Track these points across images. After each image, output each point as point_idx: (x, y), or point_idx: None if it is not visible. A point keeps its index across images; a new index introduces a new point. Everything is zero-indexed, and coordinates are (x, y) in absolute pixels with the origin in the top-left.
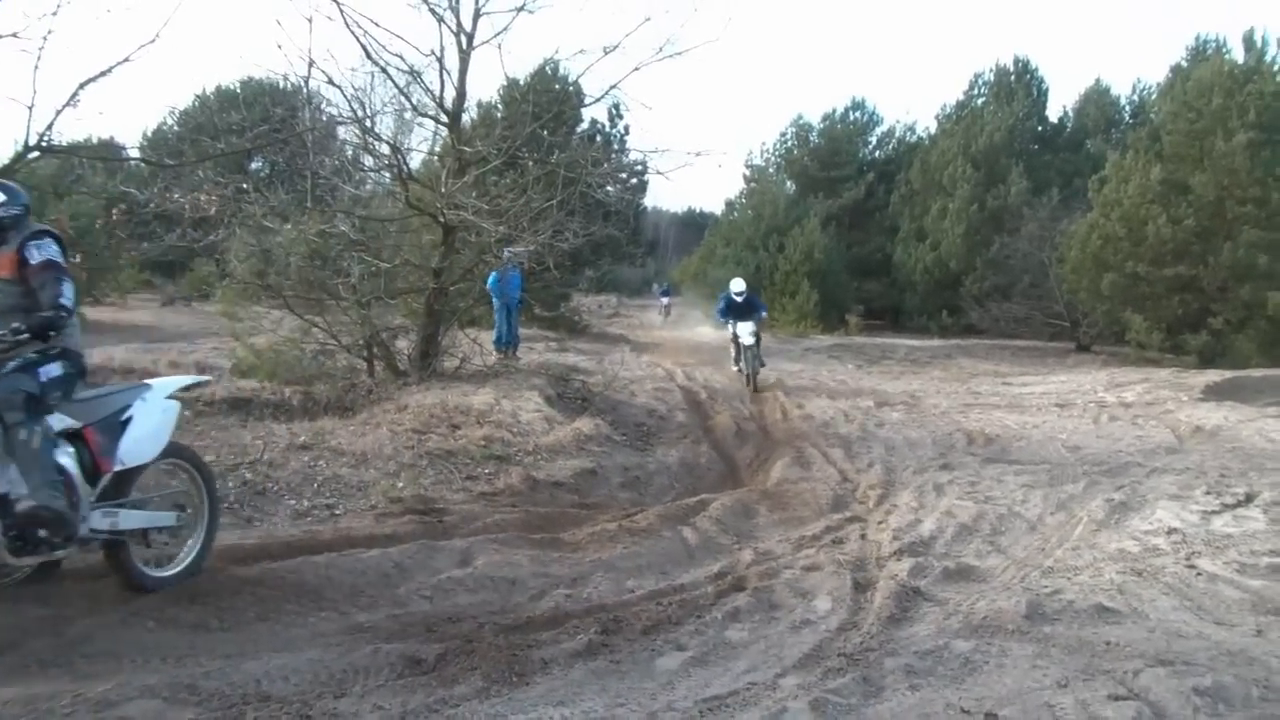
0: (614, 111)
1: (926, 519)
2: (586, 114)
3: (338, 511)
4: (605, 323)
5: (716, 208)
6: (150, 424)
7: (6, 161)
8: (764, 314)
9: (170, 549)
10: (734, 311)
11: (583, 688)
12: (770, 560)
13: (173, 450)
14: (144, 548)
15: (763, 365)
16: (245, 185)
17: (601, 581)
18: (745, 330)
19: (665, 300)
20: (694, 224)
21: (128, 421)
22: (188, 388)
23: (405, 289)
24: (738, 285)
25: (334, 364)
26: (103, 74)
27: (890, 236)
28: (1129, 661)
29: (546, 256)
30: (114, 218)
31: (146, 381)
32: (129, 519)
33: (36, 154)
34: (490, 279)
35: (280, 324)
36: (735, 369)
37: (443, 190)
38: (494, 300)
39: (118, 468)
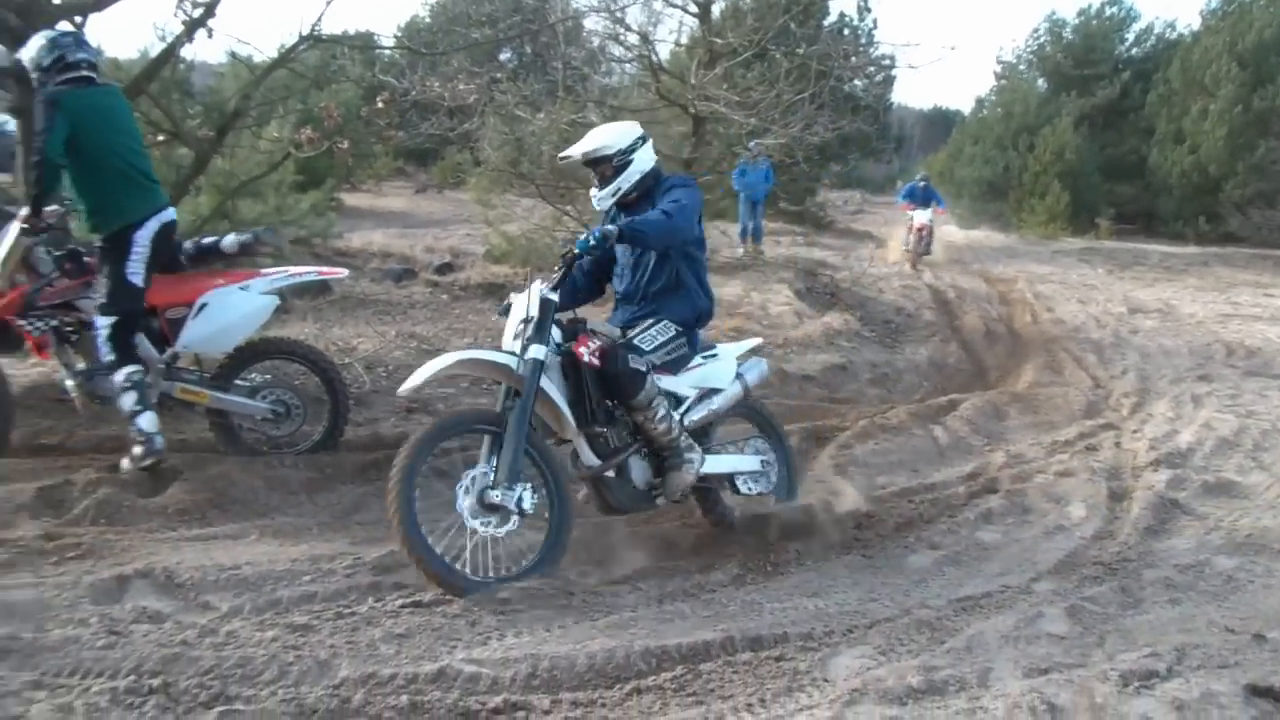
0: (862, 4)
1: (1184, 430)
2: (834, 6)
3: None
4: (849, 219)
5: (963, 105)
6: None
7: (280, 53)
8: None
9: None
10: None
11: (836, 580)
12: (1022, 464)
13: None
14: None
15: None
16: (498, 75)
17: (854, 476)
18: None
19: (926, 214)
20: (940, 121)
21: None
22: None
23: None
24: None
25: None
26: None
27: (1145, 138)
28: None
29: (796, 150)
30: (379, 105)
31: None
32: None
33: (306, 45)
34: (735, 172)
35: (532, 212)
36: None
37: (693, 82)
38: (738, 193)
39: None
